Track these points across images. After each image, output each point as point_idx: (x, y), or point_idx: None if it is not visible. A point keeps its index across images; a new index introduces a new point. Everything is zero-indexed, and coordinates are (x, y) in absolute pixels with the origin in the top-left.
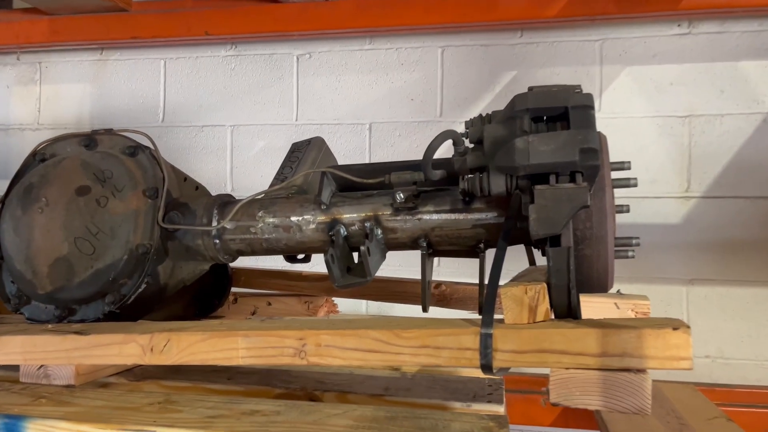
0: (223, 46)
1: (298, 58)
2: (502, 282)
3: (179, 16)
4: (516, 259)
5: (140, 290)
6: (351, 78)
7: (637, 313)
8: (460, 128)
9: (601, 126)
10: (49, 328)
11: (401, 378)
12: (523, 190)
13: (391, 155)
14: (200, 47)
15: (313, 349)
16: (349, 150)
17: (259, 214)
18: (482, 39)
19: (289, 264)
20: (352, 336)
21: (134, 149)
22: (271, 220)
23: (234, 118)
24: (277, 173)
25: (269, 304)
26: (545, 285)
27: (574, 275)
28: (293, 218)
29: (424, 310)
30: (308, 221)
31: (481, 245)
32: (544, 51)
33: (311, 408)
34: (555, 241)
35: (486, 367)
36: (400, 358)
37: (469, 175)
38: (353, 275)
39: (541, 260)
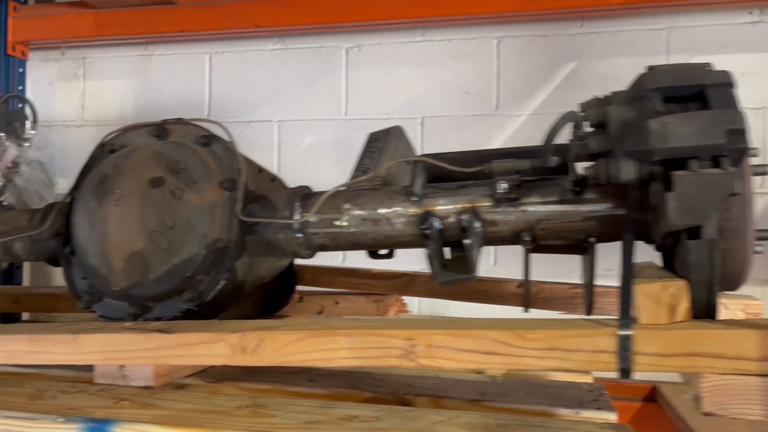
0: (269, 39)
1: (347, 51)
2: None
3: (228, 8)
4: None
5: (219, 287)
6: (402, 71)
7: (747, 314)
8: (517, 122)
9: None
10: (126, 326)
11: (492, 382)
12: (655, 177)
13: (443, 150)
14: (246, 41)
15: (423, 351)
16: None
17: (345, 206)
18: (540, 29)
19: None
20: (467, 337)
21: (208, 139)
22: (357, 212)
23: (281, 113)
24: (358, 164)
25: (336, 303)
26: (685, 282)
27: (718, 270)
28: (382, 211)
29: (526, 309)
30: (399, 214)
31: (592, 239)
32: (606, 41)
33: (412, 414)
34: (694, 233)
35: (625, 372)
36: (524, 361)
37: (581, 162)
38: (454, 271)
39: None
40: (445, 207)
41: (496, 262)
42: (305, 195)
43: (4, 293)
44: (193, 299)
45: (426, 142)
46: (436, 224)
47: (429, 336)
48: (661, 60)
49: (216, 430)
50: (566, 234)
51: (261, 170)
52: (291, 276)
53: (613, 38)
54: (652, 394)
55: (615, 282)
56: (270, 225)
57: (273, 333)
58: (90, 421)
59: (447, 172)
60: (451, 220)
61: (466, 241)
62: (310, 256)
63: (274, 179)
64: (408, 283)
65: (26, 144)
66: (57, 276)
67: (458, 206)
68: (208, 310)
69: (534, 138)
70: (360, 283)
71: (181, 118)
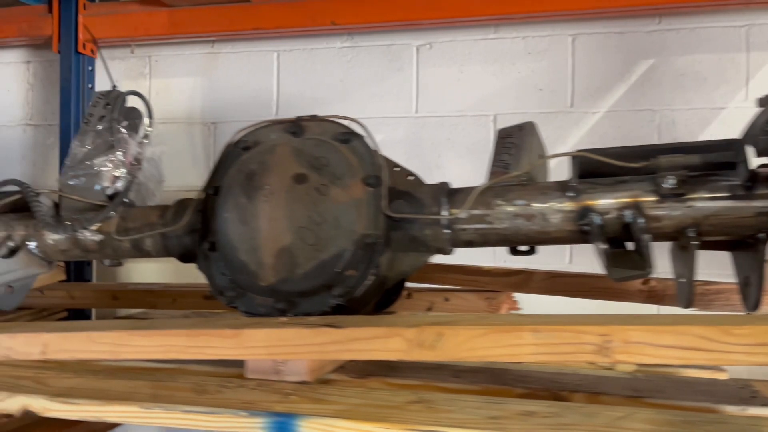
0: (339, 37)
1: (417, 49)
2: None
3: (303, 5)
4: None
5: (368, 283)
6: (474, 68)
7: None
8: (593, 119)
9: (748, 115)
10: (282, 321)
11: (634, 378)
12: None
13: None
14: (315, 39)
15: (620, 347)
16: (473, 142)
17: (497, 202)
18: (616, 26)
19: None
20: (668, 333)
21: (347, 136)
22: (510, 209)
23: (350, 111)
24: (495, 161)
25: (446, 299)
26: None
27: None
28: (536, 206)
29: (688, 306)
30: (555, 209)
31: (761, 235)
32: (685, 38)
33: (589, 410)
34: None
35: None
36: (731, 357)
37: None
38: (624, 267)
39: None
40: (606, 202)
41: (572, 260)
42: (450, 191)
43: (103, 290)
44: (344, 295)
45: None
46: (597, 220)
47: (626, 332)
48: (740, 57)
49: (407, 425)
50: (734, 230)
51: (396, 166)
52: None
53: (692, 35)
54: None
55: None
56: (417, 221)
57: (453, 328)
58: (273, 415)
59: (597, 167)
60: (612, 215)
61: (645, 236)
62: (451, 252)
63: (410, 175)
64: (524, 280)
65: (145, 140)
66: (122, 273)
67: (620, 201)
68: (354, 306)
69: (610, 135)
70: (470, 280)
71: (315, 115)
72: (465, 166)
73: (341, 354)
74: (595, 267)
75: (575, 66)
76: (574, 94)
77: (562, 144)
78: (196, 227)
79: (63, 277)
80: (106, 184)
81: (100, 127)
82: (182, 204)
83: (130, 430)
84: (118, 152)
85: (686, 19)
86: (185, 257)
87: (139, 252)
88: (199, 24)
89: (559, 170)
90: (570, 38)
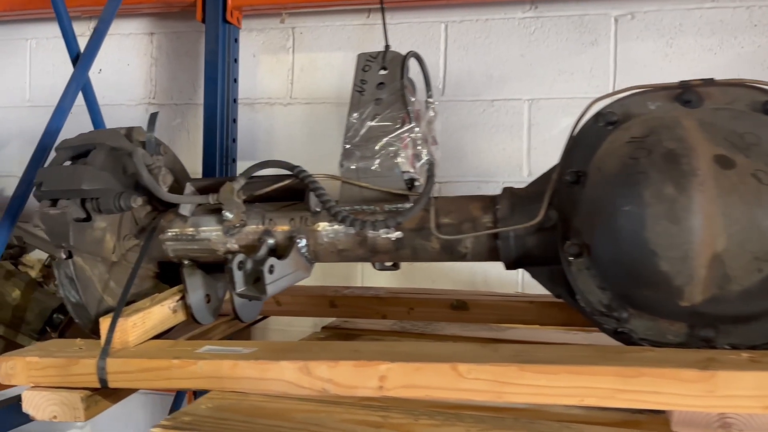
0: (520, 6)
1: (616, 20)
2: None
3: None
4: None
5: None
6: (686, 42)
7: None
8: None
9: None
10: (750, 357)
11: None
12: None
13: None
14: (491, 8)
15: None
16: None
17: None
18: None
19: None
20: None
21: None
22: None
23: (532, 91)
24: None
25: None
26: None
27: None
28: None
29: None
30: None
31: None
32: None
33: None
34: None
35: None
36: None
37: None
38: None
39: None
40: None
41: None
42: None
43: (319, 295)
44: None
45: None
46: None
47: None
48: None
49: None
50: None
51: None
52: None
53: None
54: None
55: None
56: None
57: None
58: None
59: None
60: None
61: None
62: None
63: None
64: None
65: (431, 113)
66: None
67: None
68: None
69: None
70: None
71: (711, 78)
72: None
73: None
74: None
75: None
76: None
77: None
78: (546, 225)
79: None
80: (407, 168)
81: (382, 96)
82: (515, 194)
83: None
84: (415, 127)
85: None
86: (518, 263)
87: (449, 255)
88: None
89: None
90: None
